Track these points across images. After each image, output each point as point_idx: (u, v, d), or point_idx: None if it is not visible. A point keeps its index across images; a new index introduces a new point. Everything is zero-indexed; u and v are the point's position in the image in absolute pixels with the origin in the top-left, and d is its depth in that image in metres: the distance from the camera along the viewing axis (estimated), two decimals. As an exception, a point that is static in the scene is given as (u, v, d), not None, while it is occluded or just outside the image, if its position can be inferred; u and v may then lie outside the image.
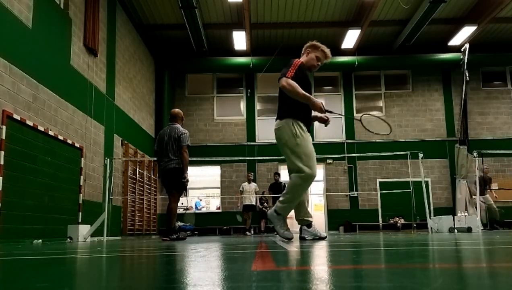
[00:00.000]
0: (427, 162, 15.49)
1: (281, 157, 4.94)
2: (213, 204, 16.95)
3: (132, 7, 13.00)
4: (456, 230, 8.90)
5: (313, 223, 4.85)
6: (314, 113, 4.83)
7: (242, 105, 16.67)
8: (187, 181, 6.97)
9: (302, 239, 4.71)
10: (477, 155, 9.59)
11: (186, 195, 7.32)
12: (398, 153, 10.67)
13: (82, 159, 9.40)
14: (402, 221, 15.11)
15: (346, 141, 16.23)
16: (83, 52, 9.76)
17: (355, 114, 16.43)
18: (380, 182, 15.97)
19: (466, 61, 15.24)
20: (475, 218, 9.45)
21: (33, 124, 7.42)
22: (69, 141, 8.77)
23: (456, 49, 15.56)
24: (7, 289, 1.25)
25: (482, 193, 12.57)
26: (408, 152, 9.51)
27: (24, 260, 2.63)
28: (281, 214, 4.62)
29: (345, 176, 16.10)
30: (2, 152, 6.55)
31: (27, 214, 7.26)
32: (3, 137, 6.60)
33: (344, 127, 16.36)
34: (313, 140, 4.77)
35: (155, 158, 7.41)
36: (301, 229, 4.82)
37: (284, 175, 11.31)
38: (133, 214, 12.66)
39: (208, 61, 15.80)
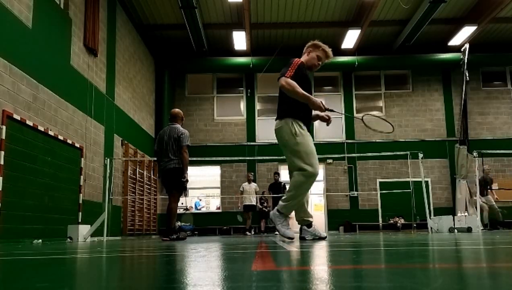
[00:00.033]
0: (427, 162, 15.49)
1: (281, 157, 4.94)
2: (213, 204, 16.95)
3: (132, 7, 13.00)
4: (456, 230, 8.90)
5: (313, 223, 4.84)
6: (314, 112, 4.82)
7: (242, 105, 16.67)
8: (187, 181, 6.97)
9: (302, 239, 4.71)
10: (477, 155, 9.59)
11: (186, 195, 7.32)
12: (398, 153, 10.67)
13: (82, 159, 9.40)
14: (402, 221, 15.11)
15: (346, 141, 16.23)
16: (83, 52, 9.76)
17: (355, 114, 16.43)
18: (380, 182, 15.97)
19: (466, 61, 15.24)
20: (475, 218, 9.45)
21: (33, 124, 7.42)
22: (69, 141, 8.77)
23: (456, 49, 15.56)
24: (7, 289, 1.24)
25: (484, 194, 12.58)
26: (408, 152, 9.51)
27: (24, 260, 2.63)
28: (283, 213, 4.59)
29: (345, 176, 16.11)
30: (2, 152, 6.55)
31: (27, 214, 7.26)
32: (3, 137, 6.60)
33: (344, 127, 16.36)
34: (313, 140, 4.76)
35: (155, 158, 7.41)
36: (301, 229, 4.82)
37: (284, 175, 11.32)
38: (133, 214, 12.66)
39: (208, 61, 15.80)
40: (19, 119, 7.02)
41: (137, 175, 13.01)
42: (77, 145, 9.17)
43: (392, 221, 15.38)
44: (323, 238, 4.76)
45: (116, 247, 4.44)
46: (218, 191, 16.04)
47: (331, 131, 16.02)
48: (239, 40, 14.57)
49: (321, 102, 4.50)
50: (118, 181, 11.75)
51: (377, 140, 16.24)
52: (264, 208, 13.80)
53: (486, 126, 16.42)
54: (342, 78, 16.79)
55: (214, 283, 1.25)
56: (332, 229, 15.44)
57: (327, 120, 4.83)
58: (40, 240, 7.27)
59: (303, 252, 2.68)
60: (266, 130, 15.91)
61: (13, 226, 6.90)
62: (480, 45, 15.59)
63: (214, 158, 12.53)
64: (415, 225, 12.50)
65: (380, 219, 15.68)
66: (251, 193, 13.49)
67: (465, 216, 9.96)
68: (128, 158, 12.14)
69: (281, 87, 4.50)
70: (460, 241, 4.00)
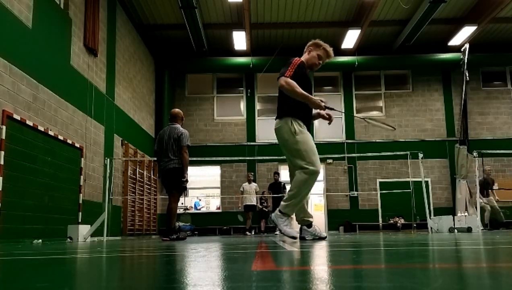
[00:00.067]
0: (427, 162, 15.49)
1: (281, 157, 4.93)
2: (213, 204, 16.95)
3: (132, 7, 13.00)
4: (456, 230, 8.90)
5: (313, 223, 4.84)
6: (315, 111, 4.80)
7: (242, 105, 16.67)
8: (187, 181, 6.97)
9: (302, 239, 4.71)
10: (477, 155, 9.59)
11: (186, 195, 7.32)
12: (398, 153, 10.67)
13: (82, 159, 9.40)
14: (402, 221, 15.11)
15: (346, 141, 16.23)
16: (83, 52, 9.76)
17: (355, 114, 16.43)
18: (380, 182, 15.97)
19: (466, 61, 15.24)
20: (475, 218, 9.45)
21: (33, 124, 7.42)
22: (69, 141, 8.77)
23: (456, 49, 15.56)
24: (7, 289, 1.24)
25: (486, 195, 12.58)
26: (408, 152, 9.51)
27: (24, 260, 2.63)
28: (285, 213, 4.54)
29: (345, 176, 16.11)
30: (2, 152, 6.55)
31: (27, 214, 7.26)
32: (3, 137, 6.61)
33: (344, 127, 16.36)
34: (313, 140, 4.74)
35: (155, 158, 7.41)
36: (301, 229, 4.82)
37: (284, 175, 11.32)
38: (133, 214, 12.66)
39: (208, 61, 15.80)
40: (19, 119, 7.03)
41: (137, 175, 13.01)
42: (77, 145, 9.17)
43: (392, 221, 15.38)
44: (323, 238, 4.76)
45: (116, 247, 4.44)
46: (218, 191, 16.04)
47: (331, 131, 16.03)
48: (239, 40, 14.57)
49: (321, 100, 4.47)
50: (118, 181, 11.75)
51: (377, 140, 16.24)
52: (264, 208, 13.80)
53: (486, 126, 16.42)
54: (342, 78, 16.79)
55: (214, 283, 1.25)
56: (332, 229, 15.44)
57: (328, 119, 4.79)
58: (40, 240, 7.27)
59: (303, 252, 2.68)
60: (266, 130, 15.91)
61: (13, 226, 6.90)
62: (480, 45, 15.59)
63: (214, 158, 12.53)
64: (415, 225, 12.50)
65: (380, 219, 15.68)
66: (251, 193, 13.49)
67: (465, 216, 9.96)
68: (128, 158, 12.14)
69: (281, 87, 4.48)
70: (460, 241, 4.00)
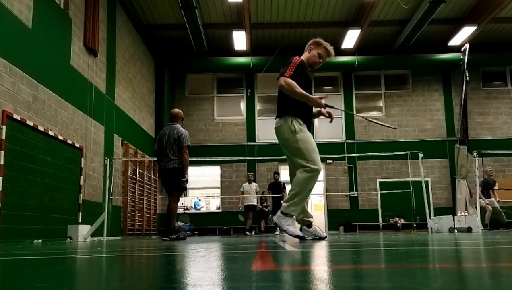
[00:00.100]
0: (427, 162, 15.49)
1: (281, 157, 4.92)
2: (213, 204, 16.95)
3: (132, 7, 13.00)
4: (456, 230, 8.90)
5: (313, 223, 4.83)
6: (316, 109, 4.77)
7: (242, 105, 16.67)
8: (187, 181, 6.98)
9: (302, 239, 4.70)
10: (477, 155, 9.59)
11: (186, 195, 7.33)
12: (398, 153, 10.68)
13: (82, 159, 9.40)
14: (402, 221, 15.11)
15: (346, 141, 16.23)
16: (83, 52, 9.76)
17: (355, 114, 16.44)
18: (380, 182, 15.97)
19: (466, 61, 15.24)
20: (475, 218, 9.45)
21: (33, 124, 7.42)
22: (69, 141, 8.77)
23: (456, 49, 15.56)
24: (7, 289, 1.25)
25: (487, 196, 12.58)
26: (408, 152, 9.51)
27: (24, 260, 2.63)
28: (287, 213, 4.46)
29: (345, 176, 16.11)
30: (2, 152, 6.55)
31: (27, 214, 7.26)
32: (3, 137, 6.61)
33: (344, 127, 16.36)
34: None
35: (155, 158, 7.41)
36: (301, 229, 4.81)
37: (284, 175, 11.32)
38: (133, 214, 12.66)
39: (208, 61, 15.80)
40: (19, 119, 7.03)
41: (137, 175, 13.01)
42: (77, 145, 9.17)
43: (392, 221, 15.38)
44: (323, 238, 4.75)
45: (116, 247, 4.44)
46: (218, 191, 16.04)
47: (331, 131, 16.04)
48: (239, 40, 14.57)
49: (321, 98, 4.42)
50: (118, 181, 11.75)
51: (377, 140, 16.24)
52: (264, 208, 13.80)
53: (486, 126, 16.42)
54: (342, 78, 16.79)
55: (214, 283, 1.25)
56: (332, 229, 15.44)
57: (329, 117, 4.70)
58: (40, 240, 7.27)
59: (303, 252, 2.68)
60: (266, 130, 15.91)
61: (13, 226, 6.90)
62: (480, 45, 15.59)
63: (214, 158, 12.53)
64: (415, 225, 12.50)
65: (380, 219, 15.68)
66: (251, 193, 13.49)
67: (465, 216, 9.96)
68: (128, 158, 12.14)
69: (280, 87, 4.46)
70: (460, 241, 4.00)
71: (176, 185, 6.89)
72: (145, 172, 13.72)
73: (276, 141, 4.73)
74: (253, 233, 13.60)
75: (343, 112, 16.20)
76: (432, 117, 16.53)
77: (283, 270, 1.63)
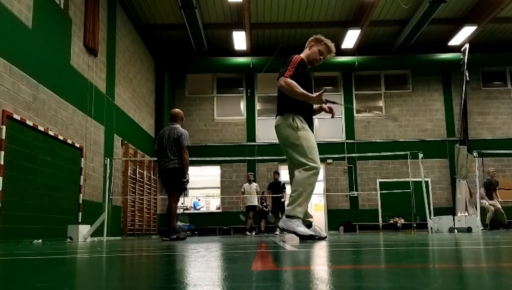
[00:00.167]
0: (427, 162, 15.50)
1: (281, 157, 4.90)
2: (213, 204, 16.95)
3: (132, 7, 13.00)
4: (456, 230, 8.90)
5: (313, 223, 4.82)
6: (316, 106, 4.74)
7: (242, 105, 16.67)
8: (188, 181, 6.98)
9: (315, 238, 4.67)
10: (477, 155, 9.59)
11: (186, 195, 7.33)
12: (398, 153, 10.68)
13: (82, 159, 9.40)
14: (402, 221, 15.11)
15: (346, 141, 16.23)
16: (83, 52, 9.76)
17: (355, 114, 16.44)
18: (380, 182, 15.97)
19: (466, 61, 15.25)
20: (475, 218, 9.45)
21: (33, 124, 7.43)
22: (69, 141, 8.78)
23: (456, 49, 15.56)
24: (7, 289, 1.25)
25: (490, 196, 12.58)
26: (408, 152, 9.52)
27: (24, 260, 2.63)
28: (294, 215, 4.31)
29: (345, 176, 16.11)
30: (2, 152, 6.55)
31: (27, 214, 7.26)
32: (3, 137, 6.61)
33: (344, 127, 16.37)
34: (312, 140, 4.71)
35: (155, 158, 7.41)
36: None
37: (284, 175, 11.31)
38: (133, 214, 12.66)
39: (208, 61, 15.81)
40: (19, 119, 7.03)
41: (137, 175, 13.01)
42: (77, 145, 9.17)
43: (392, 221, 15.38)
44: (323, 238, 4.75)
45: (116, 247, 4.44)
46: (218, 191, 16.05)
47: (331, 131, 16.05)
48: (239, 40, 14.57)
49: (321, 93, 4.35)
50: (118, 181, 11.75)
51: (377, 140, 16.24)
52: (264, 208, 13.80)
53: (486, 126, 16.42)
54: (342, 78, 16.79)
55: (214, 283, 1.25)
56: (332, 229, 15.44)
57: (330, 112, 4.64)
58: (40, 240, 7.27)
59: (303, 252, 2.68)
60: (266, 130, 15.91)
61: (13, 226, 6.90)
62: (480, 45, 15.59)
63: (214, 158, 12.53)
64: (415, 225, 12.51)
65: (380, 219, 15.68)
66: (252, 193, 13.49)
67: (465, 216, 9.96)
68: (128, 158, 12.14)
69: (280, 87, 4.43)
70: (460, 241, 4.00)
71: (176, 185, 6.89)
72: (145, 172, 13.72)
73: (276, 141, 4.71)
74: (253, 233, 13.60)
75: (343, 107, 16.16)
76: (432, 117, 16.53)
77: (283, 270, 1.63)
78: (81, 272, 1.86)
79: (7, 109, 6.79)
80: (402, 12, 13.56)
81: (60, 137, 8.41)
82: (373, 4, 12.61)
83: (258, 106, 16.64)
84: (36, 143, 7.60)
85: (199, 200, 16.70)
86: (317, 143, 4.66)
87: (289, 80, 4.36)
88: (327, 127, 16.10)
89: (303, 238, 4.30)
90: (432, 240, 4.52)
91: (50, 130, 8.06)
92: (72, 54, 9.20)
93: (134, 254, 3.11)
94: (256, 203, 13.57)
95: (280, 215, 13.23)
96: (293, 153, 4.46)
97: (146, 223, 13.77)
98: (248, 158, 14.76)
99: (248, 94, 16.60)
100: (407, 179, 11.00)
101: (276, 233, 12.73)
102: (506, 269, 1.56)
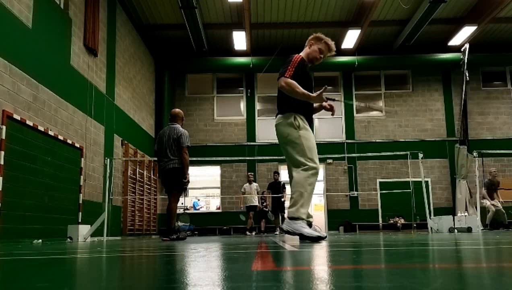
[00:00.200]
0: (427, 162, 15.50)
1: (281, 157, 4.89)
2: (213, 204, 16.95)
3: (132, 7, 13.00)
4: (456, 230, 8.90)
5: (313, 223, 4.82)
6: (316, 104, 4.73)
7: (242, 105, 16.67)
8: (188, 182, 6.97)
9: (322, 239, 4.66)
10: (477, 155, 9.59)
11: (186, 195, 7.32)
12: (398, 153, 10.68)
13: (82, 159, 9.40)
14: (402, 221, 15.11)
15: (346, 141, 16.23)
16: (83, 52, 9.76)
17: (355, 114, 16.44)
18: (380, 182, 15.97)
19: (466, 61, 15.25)
20: (475, 218, 9.45)
21: (33, 124, 7.43)
22: (69, 141, 8.78)
23: (456, 49, 15.56)
24: (7, 289, 1.25)
25: (491, 196, 12.58)
26: (408, 152, 9.52)
27: (24, 260, 2.63)
28: (298, 217, 4.22)
29: (345, 176, 16.11)
30: (2, 152, 6.55)
31: (27, 214, 7.26)
32: (3, 137, 6.61)
33: (344, 127, 16.37)
34: (312, 140, 4.71)
35: (155, 158, 7.41)
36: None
37: (284, 175, 11.32)
38: (133, 214, 12.66)
39: (208, 61, 15.81)
40: (19, 119, 7.03)
41: (137, 175, 13.01)
42: (77, 145, 9.17)
43: (392, 221, 15.38)
44: (323, 238, 4.74)
45: (116, 247, 4.44)
46: (218, 191, 16.05)
47: (331, 131, 16.05)
48: (239, 40, 14.58)
49: (322, 91, 4.34)
50: (118, 181, 11.75)
51: (377, 140, 16.24)
52: (264, 208, 13.81)
53: (486, 126, 16.42)
54: (342, 78, 16.79)
55: (214, 283, 1.25)
56: (332, 229, 15.44)
57: (331, 110, 4.63)
58: (40, 240, 7.27)
59: (303, 252, 2.68)
60: (266, 130, 15.91)
61: (13, 226, 6.90)
62: (480, 45, 15.59)
63: (214, 158, 12.54)
64: (415, 225, 12.51)
65: (380, 219, 15.68)
66: (252, 193, 13.50)
67: (465, 216, 9.96)
68: (128, 158, 12.14)
69: (281, 88, 4.40)
70: (460, 241, 4.00)
71: (176, 185, 6.89)
72: (145, 172, 13.72)
73: (276, 141, 4.69)
74: (253, 233, 13.61)
75: (343, 107, 16.18)
76: (432, 117, 16.53)
77: (283, 270, 1.63)
78: (81, 272, 1.86)
79: (7, 109, 6.79)
80: (402, 12, 13.56)
81: (60, 137, 8.41)
82: (373, 4, 12.61)
83: (258, 106, 16.64)
84: (36, 143, 7.60)
85: (199, 200, 16.70)
86: (317, 143, 4.65)
87: (289, 80, 4.34)
88: (327, 127, 16.10)
89: (311, 240, 4.19)
90: (432, 240, 4.52)
91: (50, 130, 8.06)
92: (72, 54, 9.20)
93: (134, 254, 3.11)
94: (257, 203, 13.58)
95: (279, 215, 13.24)
96: (292, 152, 4.44)
97: (146, 223, 13.77)
98: (248, 158, 14.76)
99: (248, 94, 16.61)
100: (407, 179, 11.00)
101: (276, 233, 12.73)
102: (506, 269, 1.56)
